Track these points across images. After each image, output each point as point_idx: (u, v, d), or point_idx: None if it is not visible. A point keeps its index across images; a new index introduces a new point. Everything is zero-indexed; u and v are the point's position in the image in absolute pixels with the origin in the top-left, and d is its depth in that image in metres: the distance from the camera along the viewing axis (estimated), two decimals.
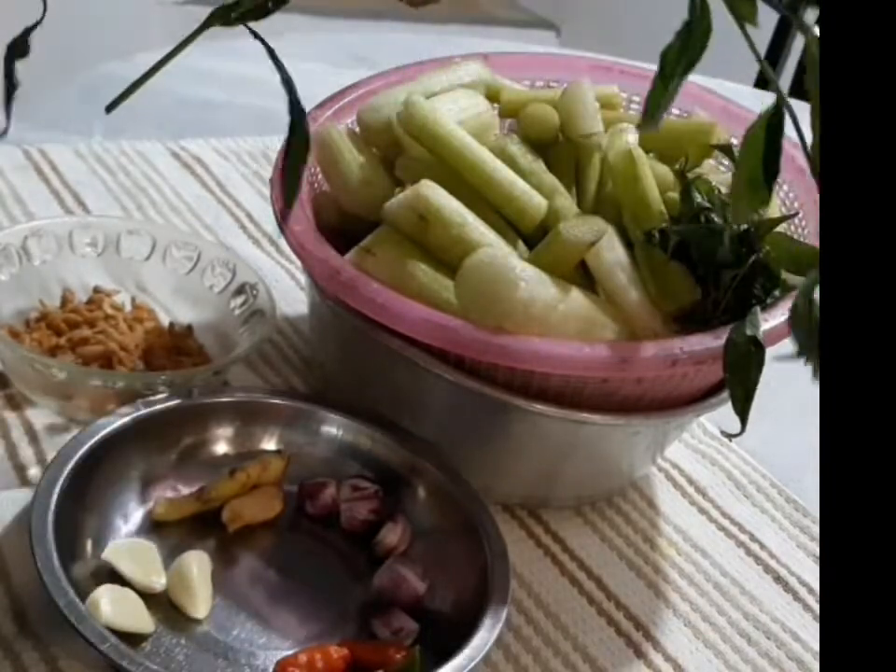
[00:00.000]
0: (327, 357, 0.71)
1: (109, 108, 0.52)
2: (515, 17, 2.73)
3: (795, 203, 0.71)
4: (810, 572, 0.68)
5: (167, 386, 0.63)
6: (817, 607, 0.66)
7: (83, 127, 0.95)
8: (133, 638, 0.53)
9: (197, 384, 0.64)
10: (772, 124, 0.45)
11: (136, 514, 0.60)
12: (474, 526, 0.60)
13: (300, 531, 0.62)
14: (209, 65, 1.10)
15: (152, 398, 0.62)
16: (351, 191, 0.67)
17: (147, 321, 0.71)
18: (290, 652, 0.55)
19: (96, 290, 0.72)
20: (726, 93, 0.79)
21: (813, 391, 0.43)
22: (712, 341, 0.59)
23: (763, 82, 1.46)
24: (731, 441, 0.71)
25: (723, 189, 0.65)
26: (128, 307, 0.72)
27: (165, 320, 0.72)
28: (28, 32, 0.51)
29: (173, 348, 0.70)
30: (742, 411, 0.57)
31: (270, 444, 0.64)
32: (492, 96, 0.73)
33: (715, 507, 0.72)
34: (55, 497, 0.55)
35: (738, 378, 0.57)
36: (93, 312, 0.70)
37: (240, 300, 0.72)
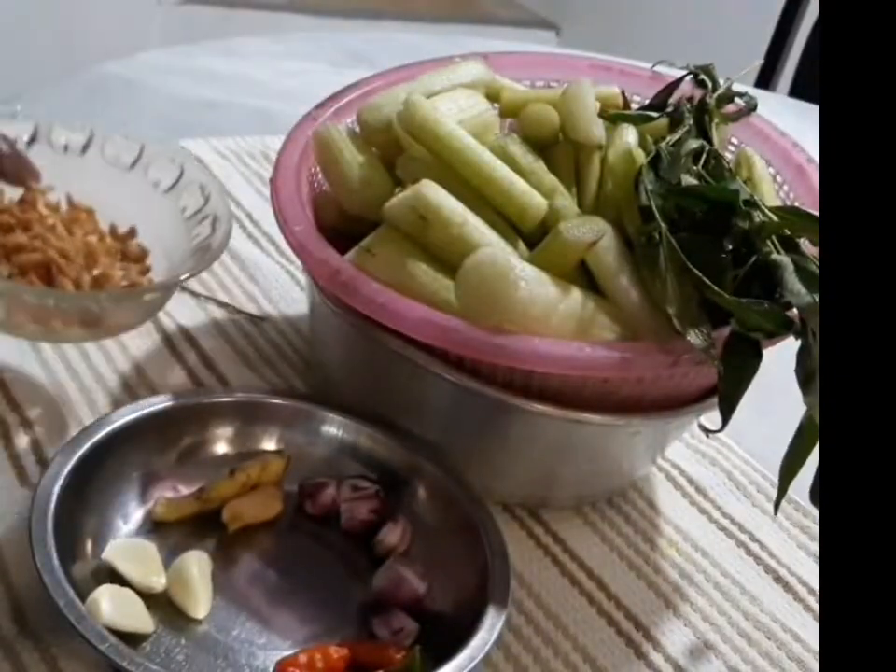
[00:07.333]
0: (327, 357, 0.71)
1: None
2: (516, 16, 2.73)
3: (796, 203, 0.71)
4: (810, 572, 0.68)
5: (114, 303, 0.58)
6: (817, 607, 0.66)
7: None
8: (132, 639, 0.53)
9: (148, 298, 0.59)
10: None
11: (136, 514, 0.60)
12: (474, 526, 0.60)
13: (300, 531, 0.62)
14: (209, 65, 1.10)
15: (152, 397, 0.62)
16: (351, 191, 0.67)
17: (86, 223, 0.64)
18: (290, 653, 0.55)
19: (27, 188, 0.64)
20: None
21: None
22: None
23: (763, 82, 1.46)
24: (708, 436, 0.71)
25: None
26: (63, 207, 0.65)
27: (104, 222, 0.66)
28: None
29: (115, 253, 0.63)
30: (727, 409, 0.57)
31: (270, 444, 0.64)
32: (492, 96, 0.73)
33: (715, 507, 0.72)
34: (55, 497, 0.55)
35: (732, 378, 0.57)
36: (26, 213, 0.62)
37: (190, 200, 0.65)
